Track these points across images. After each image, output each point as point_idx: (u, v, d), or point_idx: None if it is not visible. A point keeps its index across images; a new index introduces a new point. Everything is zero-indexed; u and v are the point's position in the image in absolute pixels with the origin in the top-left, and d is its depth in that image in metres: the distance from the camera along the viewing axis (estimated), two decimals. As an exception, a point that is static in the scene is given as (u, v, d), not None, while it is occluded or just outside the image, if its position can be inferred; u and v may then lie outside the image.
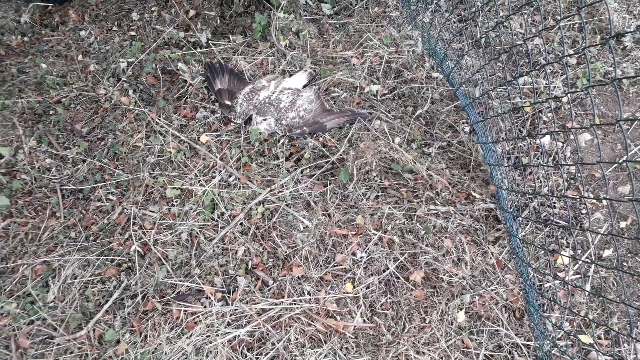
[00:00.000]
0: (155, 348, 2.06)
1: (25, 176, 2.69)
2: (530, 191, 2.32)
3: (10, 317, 2.16)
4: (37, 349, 2.11)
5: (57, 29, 3.67)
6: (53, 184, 2.66)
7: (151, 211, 2.52)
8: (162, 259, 2.33)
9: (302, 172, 2.63)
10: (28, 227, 2.50)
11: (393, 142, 2.69)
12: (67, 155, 2.78)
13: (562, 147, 2.63)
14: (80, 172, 2.70)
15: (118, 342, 2.10)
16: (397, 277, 2.25)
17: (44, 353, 2.10)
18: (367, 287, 2.21)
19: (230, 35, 3.40)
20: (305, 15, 3.49)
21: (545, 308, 2.13)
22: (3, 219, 2.51)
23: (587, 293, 2.14)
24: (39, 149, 2.81)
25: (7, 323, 2.15)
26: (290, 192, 2.53)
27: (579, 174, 2.45)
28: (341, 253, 2.32)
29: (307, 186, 2.57)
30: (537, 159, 2.60)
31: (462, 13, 3.35)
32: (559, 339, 2.01)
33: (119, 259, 2.35)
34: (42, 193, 2.64)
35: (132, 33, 3.50)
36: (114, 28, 3.58)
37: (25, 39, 3.60)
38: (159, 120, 2.90)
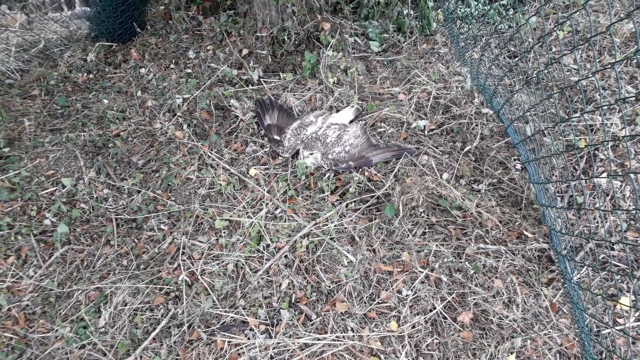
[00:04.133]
0: (199, 379, 2.08)
1: (84, 205, 2.82)
2: (585, 232, 2.22)
3: (64, 341, 2.23)
4: (87, 373, 2.17)
5: (119, 67, 3.91)
6: (109, 213, 2.78)
7: (200, 241, 2.57)
8: (209, 289, 2.37)
9: (347, 206, 2.63)
10: (84, 254, 2.61)
11: (441, 177, 2.66)
12: (123, 186, 2.91)
13: (621, 186, 2.52)
14: (135, 203, 2.81)
15: (163, 370, 2.13)
16: (444, 317, 2.18)
17: (93, 378, 2.15)
18: (413, 327, 2.15)
19: (280, 73, 3.50)
20: (354, 53, 3.56)
21: (604, 356, 2.00)
22: (62, 246, 2.63)
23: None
24: (98, 179, 2.95)
25: (61, 346, 2.22)
26: (335, 225, 2.53)
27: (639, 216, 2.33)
28: (386, 290, 2.28)
29: (351, 220, 2.56)
30: (594, 198, 2.49)
31: (513, 49, 3.33)
32: (619, 390, 1.88)
33: (167, 288, 2.41)
34: (99, 222, 2.76)
35: (189, 70, 3.67)
36: (172, 66, 3.77)
37: (91, 76, 3.85)
38: (211, 153, 2.99)
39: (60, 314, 2.36)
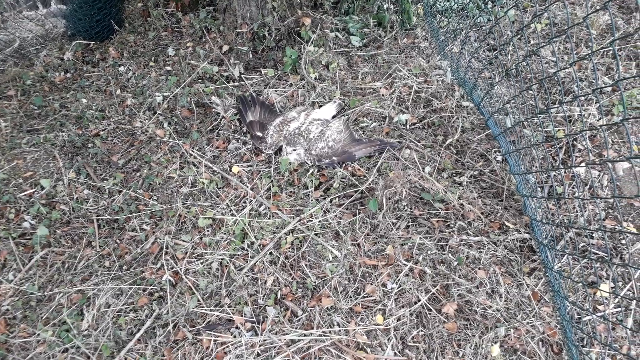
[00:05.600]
0: (185, 378, 2.06)
1: (64, 207, 2.78)
2: (565, 222, 2.25)
3: (46, 345, 2.20)
4: (71, 377, 2.14)
5: (97, 65, 3.85)
6: (90, 214, 2.74)
7: (183, 240, 2.55)
8: (193, 288, 2.35)
9: (331, 201, 2.63)
10: (65, 256, 2.57)
11: (423, 171, 2.67)
12: (104, 187, 2.87)
13: (599, 175, 2.56)
14: (116, 203, 2.77)
15: (149, 371, 2.11)
16: (429, 309, 2.19)
17: (77, 381, 2.12)
18: (398, 319, 2.17)
19: (262, 69, 3.49)
20: (335, 48, 3.56)
21: (585, 342, 2.03)
22: (42, 248, 2.58)
23: (628, 329, 2.03)
24: (78, 180, 2.90)
25: (43, 351, 2.19)
26: (319, 221, 2.53)
27: (617, 205, 2.37)
28: (371, 284, 2.29)
29: (336, 215, 2.56)
30: (573, 188, 2.53)
31: (492, 42, 3.35)
32: (601, 376, 1.92)
33: (151, 288, 2.38)
34: (80, 223, 2.72)
35: (168, 68, 3.63)
36: (151, 63, 3.72)
37: (68, 75, 3.78)
38: (193, 151, 2.97)
39: (41, 317, 2.32)
